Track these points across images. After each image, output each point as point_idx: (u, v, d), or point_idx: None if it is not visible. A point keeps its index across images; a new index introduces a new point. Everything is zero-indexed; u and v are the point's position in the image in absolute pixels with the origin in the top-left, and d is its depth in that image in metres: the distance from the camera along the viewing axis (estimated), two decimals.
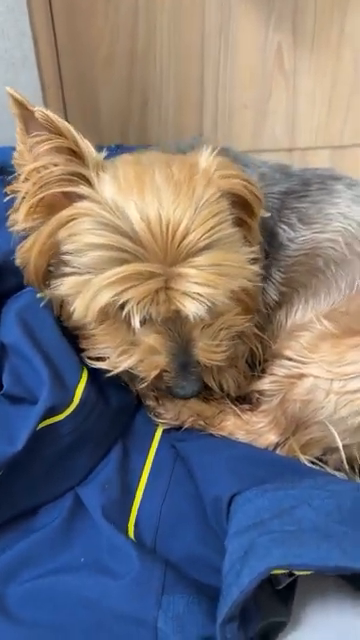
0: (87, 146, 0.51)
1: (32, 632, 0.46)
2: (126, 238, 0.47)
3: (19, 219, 0.52)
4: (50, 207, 0.51)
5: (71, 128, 0.50)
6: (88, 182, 0.50)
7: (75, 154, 0.50)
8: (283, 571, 0.39)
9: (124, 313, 0.49)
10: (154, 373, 0.54)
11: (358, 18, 0.99)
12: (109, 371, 0.55)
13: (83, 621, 0.46)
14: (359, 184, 0.64)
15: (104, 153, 0.54)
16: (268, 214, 0.58)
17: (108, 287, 0.48)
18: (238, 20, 0.98)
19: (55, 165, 0.50)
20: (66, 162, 0.50)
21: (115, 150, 0.94)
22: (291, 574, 0.41)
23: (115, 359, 0.54)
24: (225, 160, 0.54)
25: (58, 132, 0.49)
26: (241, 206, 0.53)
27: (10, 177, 0.53)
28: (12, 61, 0.82)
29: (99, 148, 0.55)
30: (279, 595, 0.45)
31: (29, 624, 0.46)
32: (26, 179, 0.51)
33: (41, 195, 0.50)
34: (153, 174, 0.50)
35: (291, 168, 0.68)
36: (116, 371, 0.55)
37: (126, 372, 0.55)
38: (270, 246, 0.61)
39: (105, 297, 0.48)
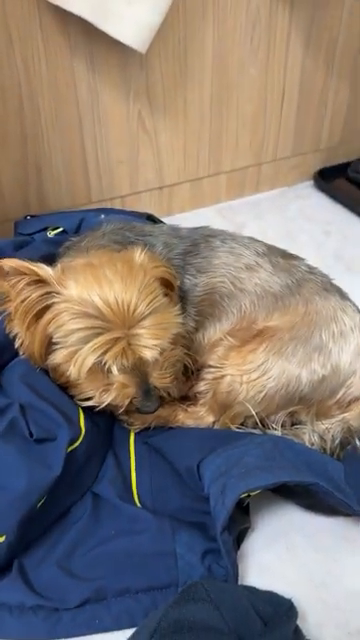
0: (45, 271, 0.73)
1: (96, 583, 0.69)
2: (95, 319, 0.71)
3: (17, 329, 0.75)
4: (37, 316, 0.74)
5: (30, 265, 0.72)
6: (57, 293, 0.72)
7: (40, 281, 0.73)
8: (245, 495, 0.69)
9: (106, 367, 0.74)
10: (127, 401, 0.77)
11: (194, 90, 1.29)
12: (96, 406, 0.79)
13: (128, 567, 0.71)
14: (228, 238, 0.94)
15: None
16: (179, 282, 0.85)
17: (92, 353, 0.71)
18: (104, 98, 1.22)
19: (29, 296, 0.72)
20: (36, 289, 0.72)
21: (30, 221, 1.15)
22: (249, 495, 0.71)
23: (99, 397, 0.77)
24: (152, 254, 0.80)
25: (23, 273, 0.72)
26: (164, 284, 0.79)
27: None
28: None
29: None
30: (243, 510, 0.75)
31: (92, 579, 0.70)
32: (15, 309, 0.73)
33: (30, 316, 0.73)
34: (105, 272, 0.73)
35: (180, 230, 0.95)
36: (102, 406, 0.78)
37: (108, 404, 0.78)
38: (182, 291, 0.89)
39: (91, 360, 0.71)
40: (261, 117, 1.43)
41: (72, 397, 0.80)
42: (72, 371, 0.73)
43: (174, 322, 0.77)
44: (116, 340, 0.71)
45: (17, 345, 0.77)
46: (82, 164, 1.28)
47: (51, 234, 1.05)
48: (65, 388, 0.80)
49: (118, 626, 0.68)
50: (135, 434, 0.89)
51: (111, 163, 1.30)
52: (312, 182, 1.63)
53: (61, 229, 1.05)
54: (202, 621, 0.60)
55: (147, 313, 0.73)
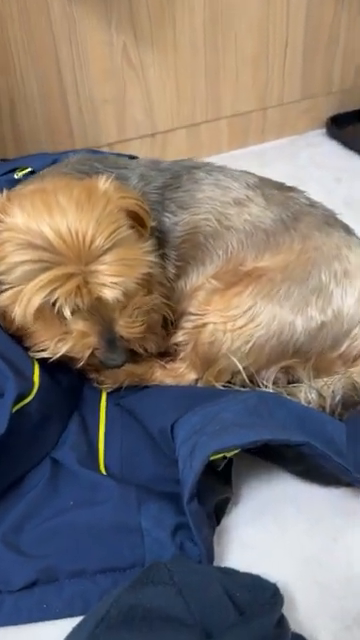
0: None
1: (46, 561, 0.59)
2: (44, 251, 0.59)
3: None
4: None
5: None
6: None
7: None
8: (219, 456, 0.57)
9: (56, 309, 0.62)
10: (88, 352, 0.66)
11: (185, 17, 1.15)
12: (50, 358, 0.67)
13: (85, 542, 0.60)
14: (215, 169, 0.81)
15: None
16: (154, 223, 0.72)
17: (38, 291, 0.59)
18: (83, 27, 1.09)
19: None
20: None
21: (1, 166, 1.03)
22: (225, 457, 0.59)
23: (54, 347, 0.66)
24: (119, 184, 0.67)
25: None
26: (134, 219, 0.67)
27: None
28: None
29: None
30: (222, 478, 0.63)
31: (42, 557, 0.60)
32: None
33: None
34: (57, 198, 0.61)
35: (161, 163, 0.83)
36: (56, 356, 0.66)
37: (65, 356, 0.67)
38: (160, 232, 0.77)
39: (37, 299, 0.60)
40: (263, 51, 1.28)
41: (28, 349, 0.69)
42: (17, 313, 0.62)
43: (142, 260, 0.65)
44: (69, 276, 0.60)
45: None
46: (62, 102, 1.15)
47: (19, 175, 0.93)
48: (20, 339, 0.69)
49: (70, 612, 0.57)
50: (107, 395, 0.77)
51: (94, 102, 1.18)
52: (324, 130, 1.47)
53: (30, 170, 0.93)
54: (159, 609, 0.49)
55: (107, 247, 0.61)
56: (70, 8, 1.06)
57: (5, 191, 0.66)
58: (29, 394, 0.65)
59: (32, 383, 0.66)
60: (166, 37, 1.16)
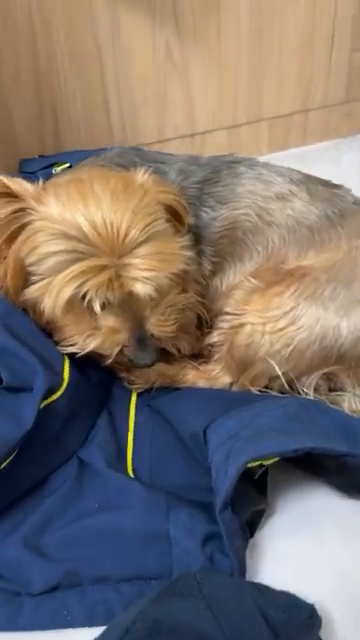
0: (20, 184, 0.61)
1: (68, 565, 0.56)
2: (77, 241, 0.57)
3: None
4: (10, 239, 0.61)
5: (0, 177, 0.60)
6: (32, 210, 0.60)
7: (10, 195, 0.60)
8: (256, 463, 0.53)
9: (86, 302, 0.59)
10: (117, 349, 0.64)
11: (230, 15, 1.12)
12: (78, 353, 0.64)
13: (109, 549, 0.57)
14: (257, 164, 0.78)
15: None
16: (192, 220, 0.70)
17: (69, 282, 0.57)
18: (126, 26, 1.07)
19: None
20: (6, 205, 0.59)
21: (36, 159, 1.03)
22: (262, 465, 0.55)
23: (82, 343, 0.64)
24: (158, 177, 0.65)
25: None
26: (172, 214, 0.65)
27: None
28: None
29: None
30: (257, 488, 0.59)
31: (64, 561, 0.57)
32: None
33: (1, 240, 0.60)
34: (93, 188, 0.60)
35: (200, 158, 0.80)
36: (84, 352, 0.64)
37: (94, 352, 0.65)
38: (197, 227, 0.74)
39: (68, 291, 0.58)
40: (308, 52, 1.24)
41: (57, 344, 0.67)
42: (47, 305, 0.60)
43: (178, 254, 0.62)
44: (101, 268, 0.57)
45: None
46: (103, 104, 1.14)
47: (57, 170, 0.92)
48: (50, 334, 0.67)
49: (91, 621, 0.54)
50: (137, 395, 0.74)
51: (134, 103, 1.16)
52: None
53: (68, 165, 0.93)
54: (188, 624, 0.45)
55: (142, 240, 0.59)
56: (113, 4, 1.05)
57: (41, 180, 0.64)
58: (58, 389, 0.63)
59: (62, 378, 0.64)
60: (209, 36, 1.13)
